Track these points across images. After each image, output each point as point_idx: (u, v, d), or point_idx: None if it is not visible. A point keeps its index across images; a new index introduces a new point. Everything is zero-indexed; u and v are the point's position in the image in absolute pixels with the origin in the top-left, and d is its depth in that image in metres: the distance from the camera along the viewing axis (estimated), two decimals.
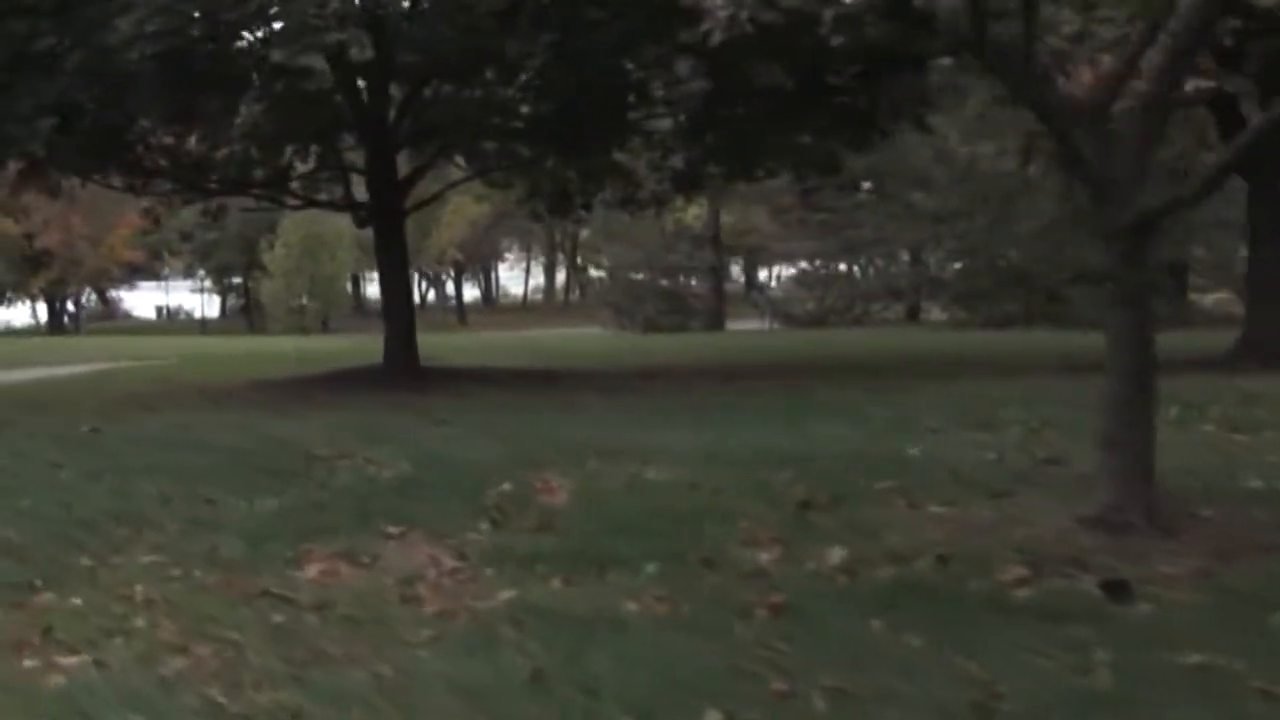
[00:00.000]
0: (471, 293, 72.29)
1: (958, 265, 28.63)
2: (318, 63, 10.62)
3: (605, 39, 12.08)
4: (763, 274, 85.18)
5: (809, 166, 18.60)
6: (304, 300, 39.28)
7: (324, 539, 5.62)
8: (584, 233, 67.91)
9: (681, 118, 16.82)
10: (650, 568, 4.94)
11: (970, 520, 6.00)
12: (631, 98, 16.02)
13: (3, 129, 12.73)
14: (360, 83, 15.38)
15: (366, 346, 28.48)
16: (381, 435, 9.47)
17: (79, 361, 25.48)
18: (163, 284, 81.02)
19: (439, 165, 17.63)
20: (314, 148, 17.71)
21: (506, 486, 6.68)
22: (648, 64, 11.97)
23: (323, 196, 18.54)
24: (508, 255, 79.61)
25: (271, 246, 40.22)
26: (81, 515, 6.28)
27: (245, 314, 72.48)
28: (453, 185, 18.20)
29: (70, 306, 59.12)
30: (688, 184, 19.70)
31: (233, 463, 8.09)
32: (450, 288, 69.71)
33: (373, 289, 59.93)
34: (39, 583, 4.96)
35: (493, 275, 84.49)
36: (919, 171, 27.39)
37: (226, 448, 8.85)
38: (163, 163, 15.74)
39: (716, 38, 9.52)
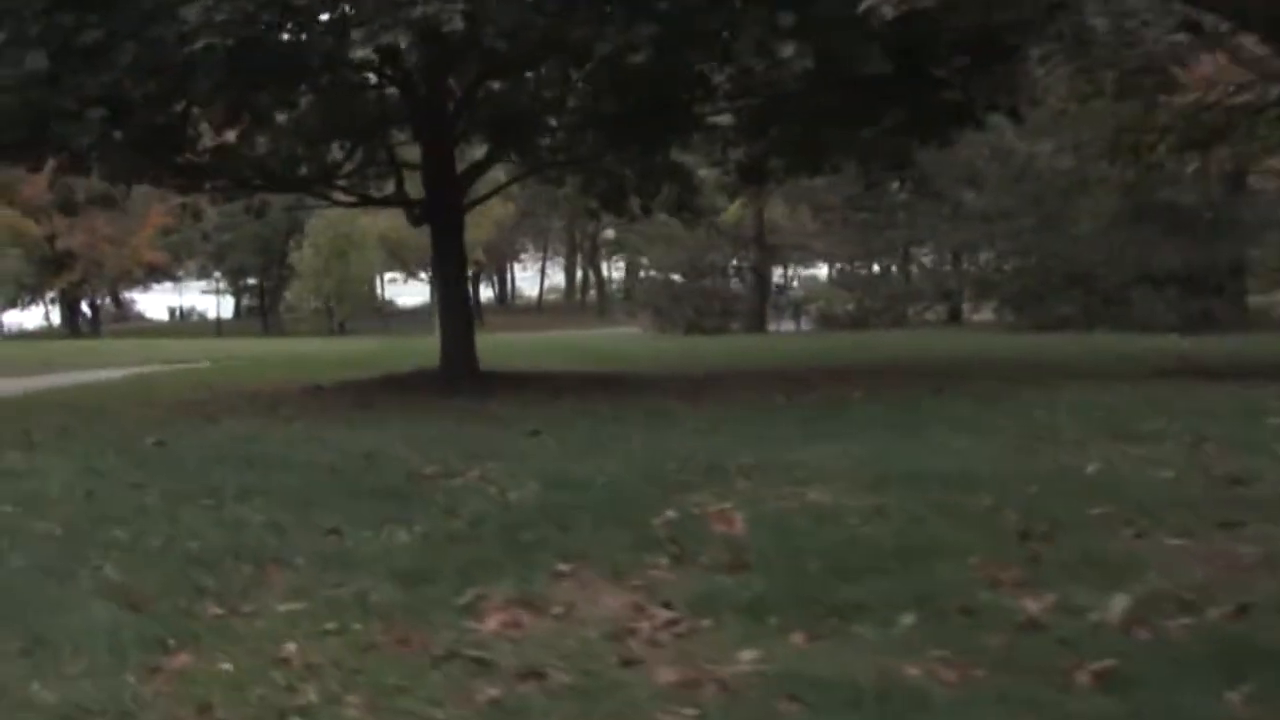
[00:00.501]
0: (484, 293, 71.10)
1: (1008, 266, 27.70)
2: (402, 40, 9.74)
3: (711, 23, 11.26)
4: (778, 273, 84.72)
5: (879, 160, 17.77)
6: (331, 301, 38.36)
7: (487, 579, 4.80)
8: (607, 232, 67.27)
9: (745, 109, 16.09)
10: (906, 619, 4.11)
11: (1222, 555, 5.18)
12: (696, 91, 15.24)
13: (50, 125, 11.95)
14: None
15: (400, 348, 27.81)
16: (480, 449, 8.65)
17: (109, 365, 24.73)
18: (175, 285, 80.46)
19: (497, 160, 16.76)
20: (360, 143, 16.96)
21: (671, 514, 5.86)
22: (742, 51, 11.13)
23: (373, 193, 17.70)
24: (523, 256, 79.01)
25: (299, 247, 39.37)
26: (190, 550, 5.46)
27: (260, 316, 71.95)
28: (512, 182, 17.30)
29: (85, 308, 58.62)
30: (750, 177, 18.93)
31: (332, 482, 7.27)
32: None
33: (390, 290, 59.19)
34: (170, 640, 4.14)
35: (507, 276, 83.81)
36: (970, 169, 26.53)
37: (315, 464, 8.03)
38: (210, 160, 14.92)
39: (888, 13, 8.72)
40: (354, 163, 17.20)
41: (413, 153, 17.82)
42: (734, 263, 32.76)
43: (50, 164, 14.59)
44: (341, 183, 16.83)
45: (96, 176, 14.37)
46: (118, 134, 12.23)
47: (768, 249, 32.86)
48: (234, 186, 16.22)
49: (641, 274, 36.69)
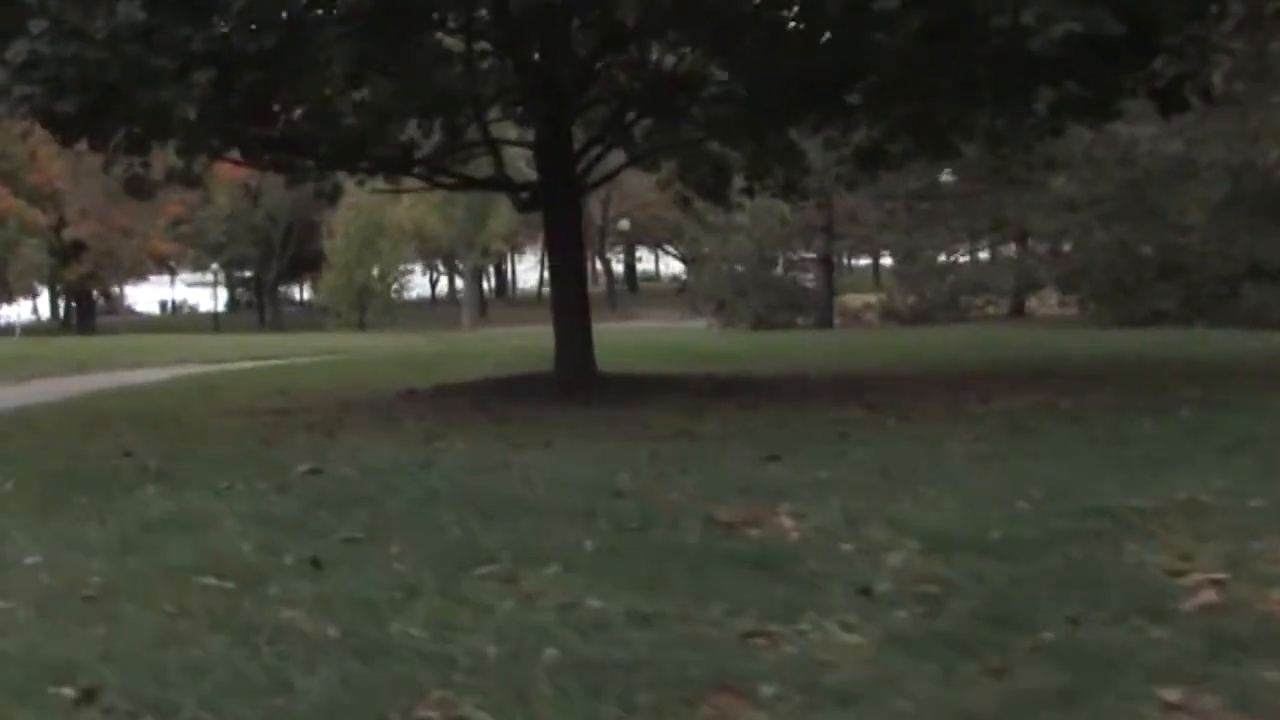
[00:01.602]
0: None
1: (1099, 256, 25.95)
2: None
3: None
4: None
5: (1023, 139, 16.06)
6: (366, 295, 36.26)
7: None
8: (622, 223, 65.39)
9: (874, 84, 14.34)
10: None
11: None
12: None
13: (140, 89, 10.10)
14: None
15: (465, 347, 26.07)
16: (735, 481, 6.91)
17: (144, 365, 22.90)
18: (171, 278, 78.47)
19: (613, 140, 14.92)
20: (447, 119, 15.14)
21: (1197, 589, 4.12)
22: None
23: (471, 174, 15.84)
24: (527, 247, 77.10)
25: (331, 236, 37.39)
26: (583, 676, 3.68)
27: (258, 310, 69.84)
28: (630, 163, 15.47)
29: (73, 303, 56.54)
30: (869, 162, 17.17)
31: (624, 539, 5.48)
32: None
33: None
34: None
35: (505, 267, 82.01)
36: (1065, 153, 24.79)
37: (564, 508, 6.20)
38: (305, 131, 13.04)
39: None
40: (434, 141, 15.38)
41: (504, 131, 16.09)
42: (799, 254, 30.87)
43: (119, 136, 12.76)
44: (418, 166, 14.97)
45: (174, 150, 12.50)
46: (218, 106, 10.41)
47: (835, 239, 31.11)
48: (334, 166, 14.30)
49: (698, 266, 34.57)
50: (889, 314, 32.52)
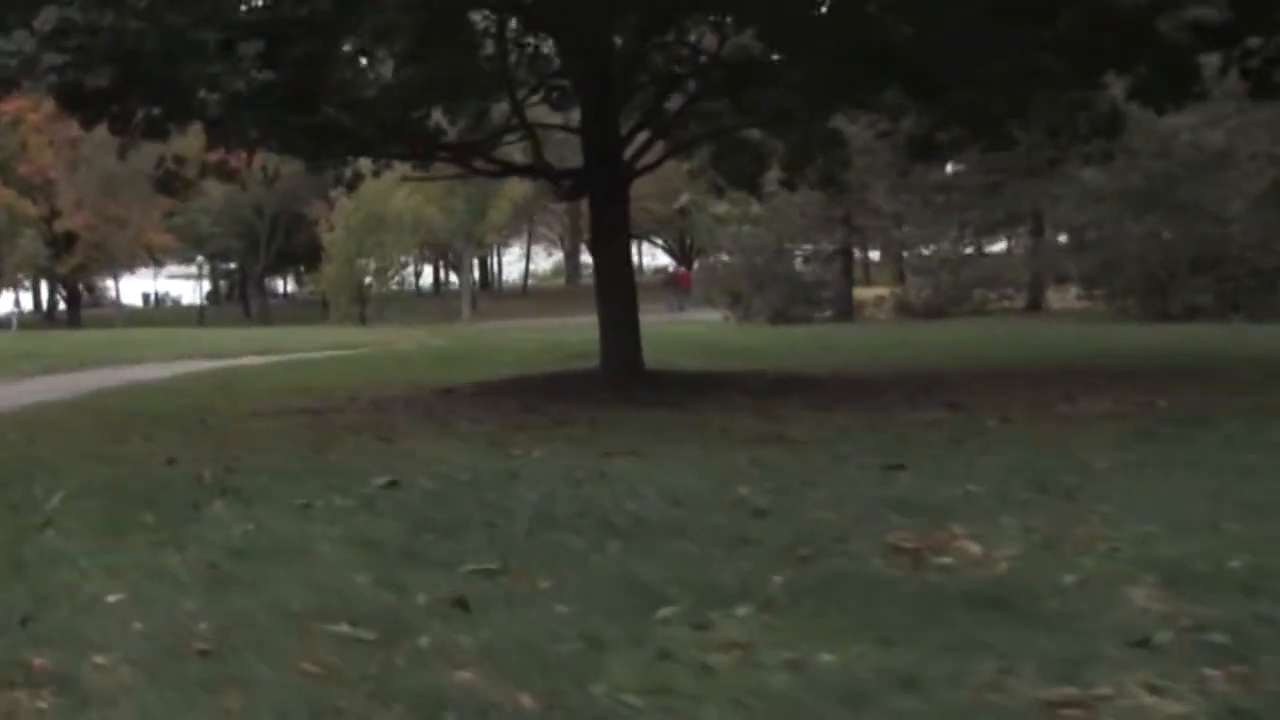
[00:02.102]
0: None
1: (1125, 249, 25.23)
2: None
3: None
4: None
5: (1090, 127, 15.32)
6: (369, 282, 35.22)
7: None
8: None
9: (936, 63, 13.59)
10: None
11: None
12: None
13: (190, 70, 9.26)
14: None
15: (482, 340, 25.12)
16: (867, 493, 6.19)
17: (146, 360, 22.01)
18: (150, 271, 77.15)
19: (659, 125, 14.11)
20: (479, 103, 14.36)
21: None
22: None
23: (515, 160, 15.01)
24: (512, 240, 76.14)
25: (331, 229, 36.38)
26: None
27: (242, 301, 68.68)
28: (674, 151, 14.65)
29: (60, 295, 55.37)
30: (920, 152, 16.43)
31: (797, 568, 4.73)
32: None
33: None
34: None
35: (489, 260, 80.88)
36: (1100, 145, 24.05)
37: (709, 528, 5.45)
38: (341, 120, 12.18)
39: None
40: (464, 126, 14.58)
41: (540, 116, 15.30)
42: (821, 246, 30.01)
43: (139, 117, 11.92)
44: (453, 151, 14.15)
45: (207, 136, 11.65)
46: (268, 75, 9.55)
47: (854, 231, 30.30)
48: (363, 150, 13.45)
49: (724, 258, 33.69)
50: (903, 307, 31.78)
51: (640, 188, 57.07)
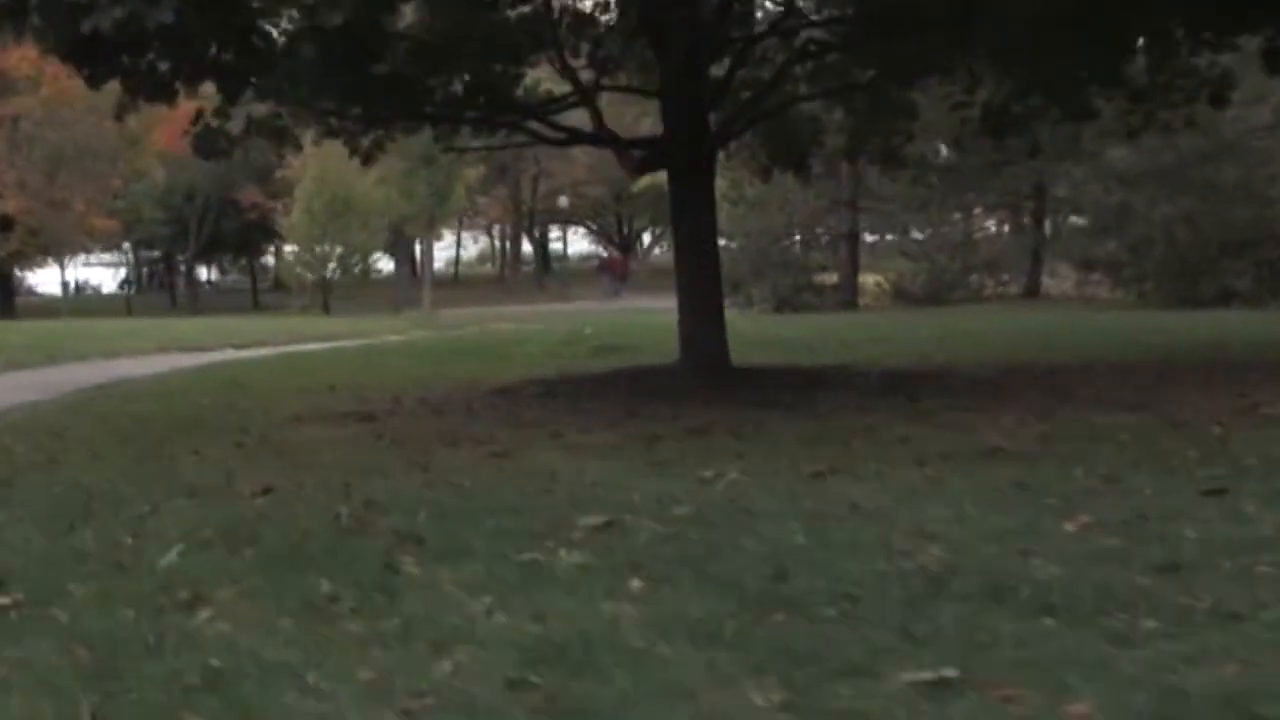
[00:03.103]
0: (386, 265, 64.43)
1: (1152, 233, 24.06)
2: None
3: None
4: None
5: (1184, 95, 14.03)
6: (332, 270, 33.00)
7: None
8: (561, 200, 62.56)
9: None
10: None
11: None
12: None
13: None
14: None
15: (478, 331, 23.20)
16: (1235, 536, 4.70)
17: (116, 354, 19.99)
18: (69, 259, 73.66)
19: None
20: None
21: None
22: None
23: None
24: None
25: (287, 212, 34.10)
26: None
27: (169, 291, 65.80)
28: (761, 118, 12.98)
29: None
30: (997, 127, 15.00)
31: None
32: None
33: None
34: None
35: (419, 247, 78.27)
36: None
37: (1078, 598, 3.95)
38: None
39: None
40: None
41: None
42: (827, 230, 28.53)
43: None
44: (515, 115, 12.40)
45: (258, 92, 9.84)
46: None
47: (859, 213, 28.81)
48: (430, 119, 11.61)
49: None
50: (900, 294, 30.48)
51: (573, 172, 55.06)
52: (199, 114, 10.87)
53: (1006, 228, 33.49)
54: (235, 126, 11.02)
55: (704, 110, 11.51)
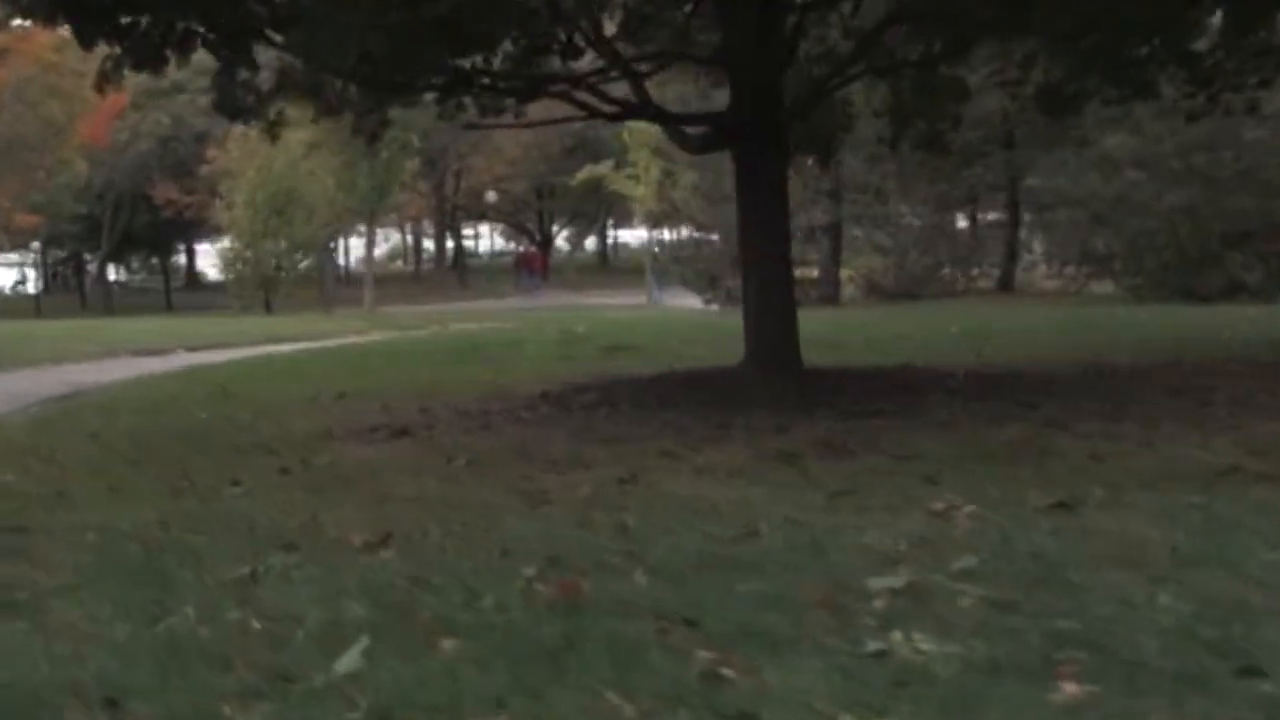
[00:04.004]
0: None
1: (1149, 224, 23.19)
2: None
3: None
4: (633, 235, 76.29)
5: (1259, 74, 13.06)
6: (278, 268, 30.88)
7: None
8: (489, 195, 60.69)
9: None
10: None
11: None
12: None
13: None
14: None
15: (442, 331, 21.44)
16: None
17: (63, 359, 18.15)
18: None
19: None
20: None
21: None
22: None
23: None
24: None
25: (230, 207, 31.98)
26: None
27: (79, 290, 62.68)
28: (844, 83, 11.63)
29: None
30: (1052, 105, 13.91)
31: None
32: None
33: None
34: None
35: (355, 243, 75.94)
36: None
37: None
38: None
39: None
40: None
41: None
42: (811, 221, 27.20)
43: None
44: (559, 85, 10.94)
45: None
46: None
47: (841, 204, 27.58)
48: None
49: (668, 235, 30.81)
50: (874, 289, 29.44)
51: (502, 169, 53.26)
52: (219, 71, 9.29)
53: (980, 220, 32.54)
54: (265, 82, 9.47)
55: (777, 80, 10.18)
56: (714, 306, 26.81)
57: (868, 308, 26.17)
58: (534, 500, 6.12)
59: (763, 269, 10.45)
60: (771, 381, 10.10)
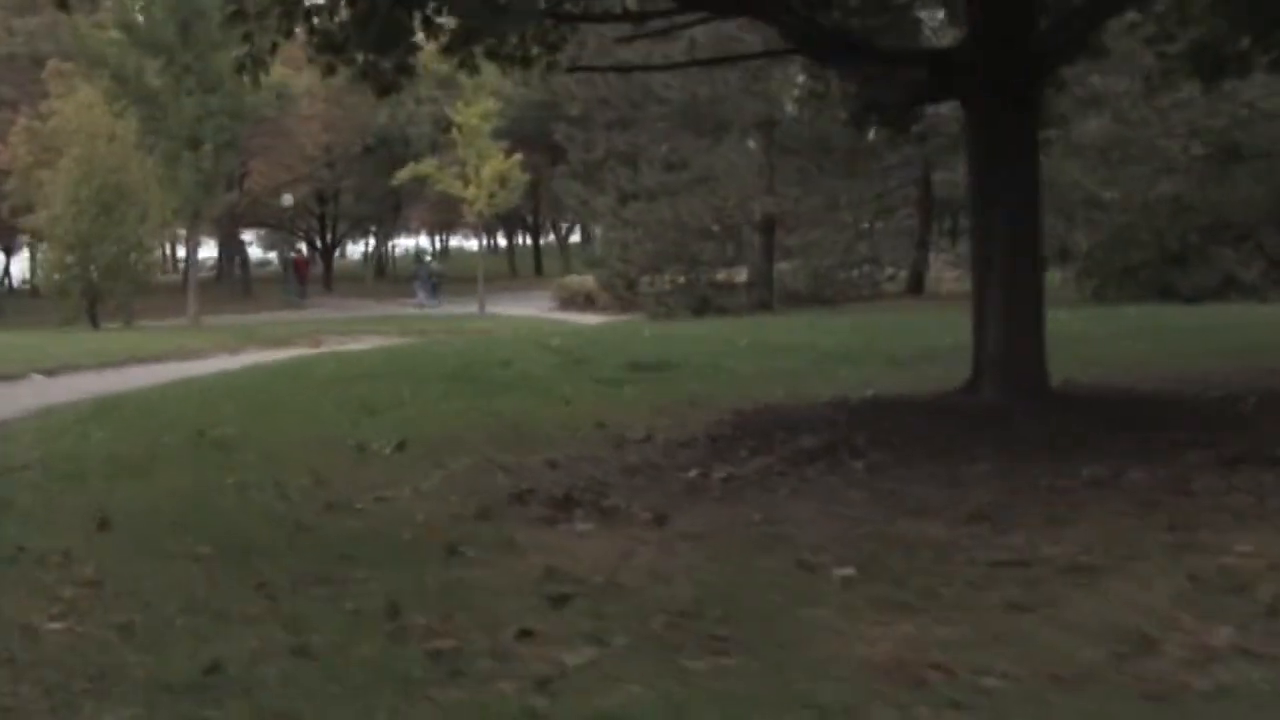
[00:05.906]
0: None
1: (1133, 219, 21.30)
2: None
3: None
4: (415, 241, 71.60)
5: None
6: (102, 278, 25.92)
7: None
8: (286, 199, 55.56)
9: None
10: None
11: None
12: None
13: None
14: None
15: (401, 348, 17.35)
16: None
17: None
18: None
19: None
20: None
21: None
22: None
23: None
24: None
25: (48, 203, 26.84)
26: None
27: None
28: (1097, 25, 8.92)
29: None
30: (1207, 67, 11.65)
31: None
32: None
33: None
34: None
35: (178, 247, 68.58)
36: (1092, 91, 20.19)
37: None
38: None
39: None
40: None
41: None
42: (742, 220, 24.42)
43: None
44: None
45: None
46: None
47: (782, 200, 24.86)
48: None
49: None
50: (790, 296, 27.01)
51: (275, 174, 48.36)
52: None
53: (892, 220, 30.55)
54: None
55: (1028, 13, 7.52)
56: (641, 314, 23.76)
57: (799, 314, 23.39)
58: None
59: (1003, 267, 7.76)
60: (1034, 412, 7.45)
